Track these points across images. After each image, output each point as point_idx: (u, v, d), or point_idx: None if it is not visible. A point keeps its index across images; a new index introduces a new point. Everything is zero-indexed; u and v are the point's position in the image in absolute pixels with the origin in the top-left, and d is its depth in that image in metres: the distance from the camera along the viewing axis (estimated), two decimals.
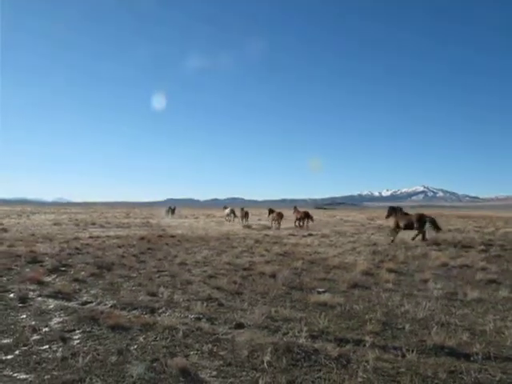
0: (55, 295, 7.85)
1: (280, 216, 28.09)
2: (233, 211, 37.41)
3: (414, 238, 18.85)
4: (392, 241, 18.73)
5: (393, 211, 20.69)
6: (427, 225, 18.98)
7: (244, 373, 4.56)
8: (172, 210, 47.56)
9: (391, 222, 20.76)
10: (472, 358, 5.02)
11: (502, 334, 5.89)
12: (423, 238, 18.80)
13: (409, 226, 19.08)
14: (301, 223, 27.79)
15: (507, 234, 24.17)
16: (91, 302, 7.46)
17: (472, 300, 7.94)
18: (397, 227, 19.49)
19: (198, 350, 5.18)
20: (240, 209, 35.71)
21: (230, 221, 36.12)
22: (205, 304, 7.23)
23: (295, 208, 30.98)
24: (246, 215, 34.03)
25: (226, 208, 40.27)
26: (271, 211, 30.15)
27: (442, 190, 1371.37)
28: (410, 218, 19.29)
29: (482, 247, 16.61)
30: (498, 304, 7.74)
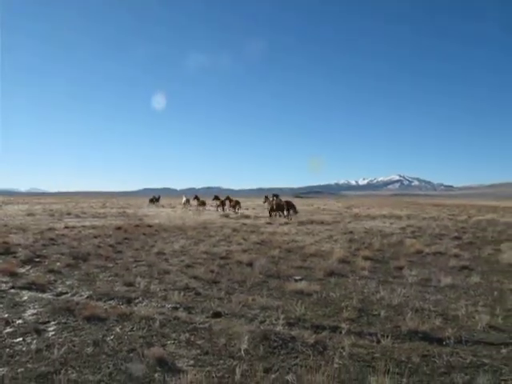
0: (29, 287, 7.71)
1: (223, 203, 35.91)
2: (188, 200, 42.49)
3: (286, 216, 26.25)
4: (269, 217, 26.61)
5: (266, 199, 31.62)
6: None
7: (221, 361, 4.58)
8: (156, 199, 51.77)
9: (267, 205, 29.55)
10: (444, 343, 5.15)
11: (473, 319, 6.04)
12: (287, 216, 26.23)
13: (279, 209, 27.13)
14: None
15: (479, 222, 24.78)
16: (66, 293, 7.37)
17: (445, 286, 8.13)
18: (271, 210, 27.49)
19: (175, 340, 5.18)
20: (195, 197, 41.53)
21: (186, 208, 40.74)
22: (182, 293, 7.22)
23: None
24: (202, 204, 39.38)
25: (184, 197, 45.34)
26: (217, 198, 37.79)
27: (418, 179, 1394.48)
28: (281, 203, 27.21)
29: (456, 234, 17.01)
30: (470, 289, 7.94)
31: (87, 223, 21.30)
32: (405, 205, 63.14)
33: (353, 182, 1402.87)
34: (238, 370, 4.26)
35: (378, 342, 5.15)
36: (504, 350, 4.91)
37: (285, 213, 26.82)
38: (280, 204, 27.58)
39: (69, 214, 29.42)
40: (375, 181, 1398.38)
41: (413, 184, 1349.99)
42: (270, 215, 27.42)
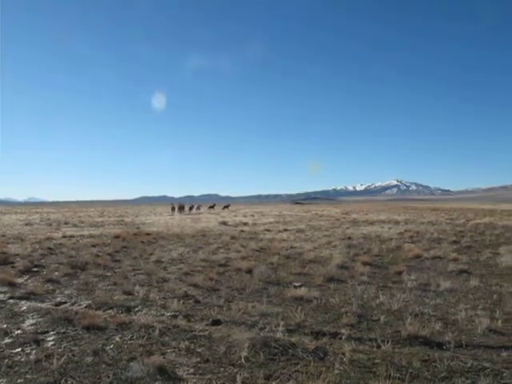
0: (27, 296, 7.68)
1: (180, 208, 46.62)
2: (173, 207, 48.39)
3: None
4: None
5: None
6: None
7: (222, 369, 4.57)
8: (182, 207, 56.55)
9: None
10: (445, 347, 5.14)
11: (472, 323, 6.04)
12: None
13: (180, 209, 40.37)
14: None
15: (477, 226, 24.81)
16: (65, 303, 7.34)
17: (444, 290, 8.13)
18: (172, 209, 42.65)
19: (175, 348, 5.16)
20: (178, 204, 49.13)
21: (172, 215, 44.31)
22: (181, 301, 7.20)
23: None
24: (181, 208, 47.12)
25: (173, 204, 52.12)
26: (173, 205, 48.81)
27: (415, 184, 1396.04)
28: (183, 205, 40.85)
29: (454, 238, 17.04)
30: (469, 293, 7.94)
31: (85, 232, 21.23)
32: (403, 209, 63.19)
33: (350, 188, 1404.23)
34: (238, 378, 4.25)
35: (379, 347, 5.14)
36: (504, 354, 4.91)
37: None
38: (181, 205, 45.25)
39: (66, 223, 29.31)
40: (373, 186, 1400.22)
41: (410, 189, 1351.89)
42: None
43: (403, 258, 12.25)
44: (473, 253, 13.23)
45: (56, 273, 9.87)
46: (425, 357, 4.83)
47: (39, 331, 5.77)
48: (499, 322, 5.99)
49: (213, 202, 46.51)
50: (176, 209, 47.29)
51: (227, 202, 48.26)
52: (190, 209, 51.09)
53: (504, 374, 4.37)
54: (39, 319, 6.33)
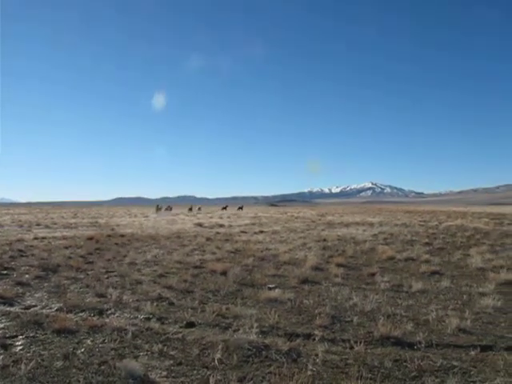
0: None
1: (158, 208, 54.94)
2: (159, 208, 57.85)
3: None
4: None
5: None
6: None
7: (195, 371, 4.54)
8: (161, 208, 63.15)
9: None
10: (416, 347, 5.24)
11: (443, 323, 6.17)
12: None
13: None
14: None
15: (449, 228, 25.33)
16: (35, 306, 7.17)
17: (416, 291, 8.27)
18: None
19: (147, 351, 5.10)
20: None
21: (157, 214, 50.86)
22: (155, 304, 7.14)
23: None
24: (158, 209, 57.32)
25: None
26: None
27: (390, 186, 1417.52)
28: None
29: (426, 240, 17.36)
30: (440, 294, 8.11)
31: (58, 234, 20.81)
32: (377, 212, 64.01)
33: (326, 190, 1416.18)
34: (211, 380, 4.23)
35: (351, 348, 5.19)
36: (473, 353, 5.02)
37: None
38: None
39: (38, 224, 28.67)
40: (348, 188, 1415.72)
41: (385, 191, 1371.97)
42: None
43: (377, 259, 12.42)
44: (444, 254, 13.51)
45: (26, 275, 9.66)
46: (396, 357, 4.91)
47: (7, 336, 5.62)
48: (468, 321, 6.13)
49: (189, 203, 49.14)
50: (163, 209, 54.93)
51: (225, 203, 55.70)
52: (189, 210, 58.56)
53: (472, 373, 4.47)
54: (8, 323, 6.16)
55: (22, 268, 10.64)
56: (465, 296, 7.89)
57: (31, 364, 4.63)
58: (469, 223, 30.03)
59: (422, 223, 30.38)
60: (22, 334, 5.69)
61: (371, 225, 28.74)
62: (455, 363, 4.71)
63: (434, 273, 10.17)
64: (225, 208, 65.43)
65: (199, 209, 63.75)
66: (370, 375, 4.39)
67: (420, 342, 5.32)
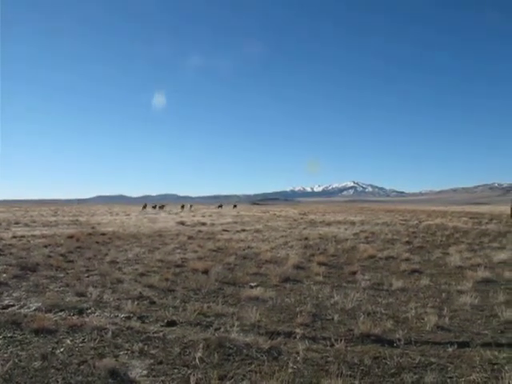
0: None
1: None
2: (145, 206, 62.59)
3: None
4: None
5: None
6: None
7: (175, 370, 4.53)
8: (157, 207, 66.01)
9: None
10: (395, 344, 5.30)
11: (422, 320, 6.26)
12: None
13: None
14: None
15: (429, 227, 25.70)
16: (13, 306, 7.05)
17: (396, 289, 8.38)
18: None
19: (128, 350, 5.06)
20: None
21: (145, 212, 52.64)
22: (136, 302, 7.08)
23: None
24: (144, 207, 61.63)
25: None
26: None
27: (371, 186, 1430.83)
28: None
29: (407, 239, 17.58)
30: (420, 292, 8.23)
31: (37, 232, 20.50)
32: (359, 211, 64.56)
33: (308, 189, 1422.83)
34: (192, 379, 4.21)
35: (332, 345, 5.23)
36: (450, 349, 5.11)
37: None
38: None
39: (17, 222, 28.19)
40: (330, 187, 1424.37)
41: (366, 190, 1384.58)
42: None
43: (358, 258, 12.53)
44: (424, 253, 13.71)
45: (4, 275, 9.48)
46: (376, 354, 4.96)
47: None
48: (446, 319, 6.24)
49: (169, 201, 49.51)
50: (157, 207, 59.01)
51: (220, 202, 60.40)
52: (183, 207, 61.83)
53: (449, 369, 4.55)
54: None
55: (0, 267, 10.46)
56: (443, 294, 8.02)
57: (8, 365, 4.55)
58: (448, 222, 30.50)
59: (402, 222, 30.75)
60: None
61: (353, 223, 28.98)
62: (433, 360, 4.78)
63: (413, 271, 10.32)
64: (220, 206, 71.10)
65: (191, 207, 66.35)
66: (349, 372, 4.44)
67: (399, 340, 5.38)
